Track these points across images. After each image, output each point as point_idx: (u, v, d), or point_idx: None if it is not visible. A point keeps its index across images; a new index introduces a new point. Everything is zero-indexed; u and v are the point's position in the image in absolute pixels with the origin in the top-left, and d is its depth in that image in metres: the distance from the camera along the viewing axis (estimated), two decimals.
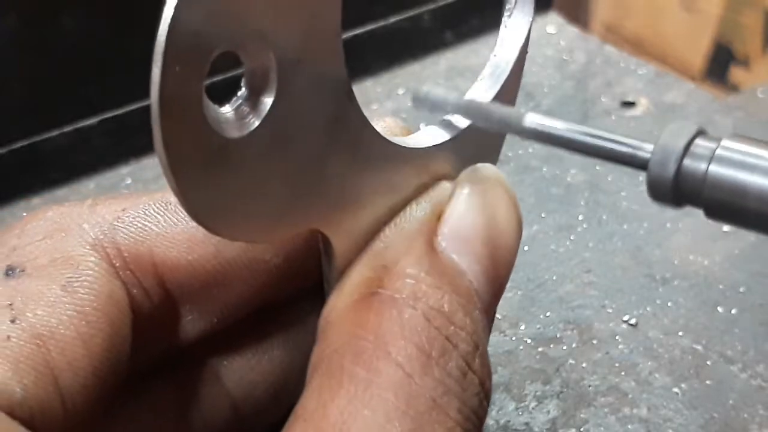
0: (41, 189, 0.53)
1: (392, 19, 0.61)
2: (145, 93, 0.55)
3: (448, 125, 0.27)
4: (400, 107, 0.59)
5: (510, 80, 0.28)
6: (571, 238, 0.48)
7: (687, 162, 0.22)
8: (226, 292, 0.27)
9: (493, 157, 0.29)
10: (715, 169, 0.21)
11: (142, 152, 0.55)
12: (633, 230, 0.48)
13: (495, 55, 0.29)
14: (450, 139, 0.27)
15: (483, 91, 0.28)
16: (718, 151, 0.22)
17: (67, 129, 0.52)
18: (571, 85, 0.60)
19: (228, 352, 0.29)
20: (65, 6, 0.50)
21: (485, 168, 0.26)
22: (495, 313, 0.26)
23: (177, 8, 0.17)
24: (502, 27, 0.29)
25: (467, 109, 0.26)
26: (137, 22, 0.54)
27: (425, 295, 0.23)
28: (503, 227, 0.25)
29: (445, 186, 0.26)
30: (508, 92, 0.29)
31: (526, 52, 0.29)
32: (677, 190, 0.22)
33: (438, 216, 0.25)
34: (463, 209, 0.25)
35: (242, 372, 0.29)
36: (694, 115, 0.57)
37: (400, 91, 0.60)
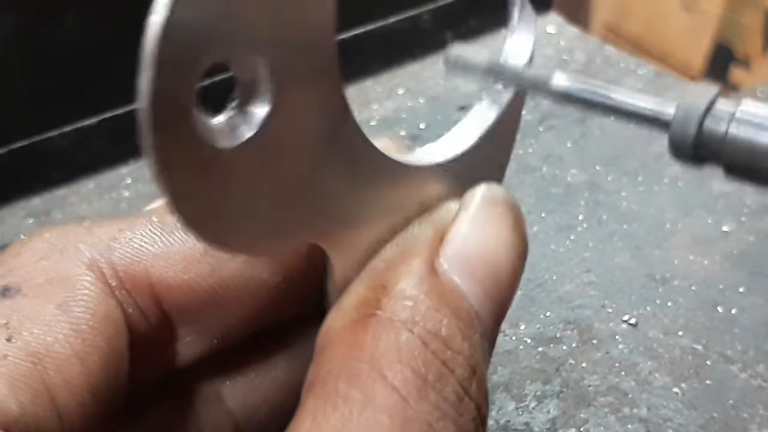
0: (41, 189, 0.53)
1: (392, 19, 0.61)
2: None
3: (457, 139, 0.27)
4: (400, 107, 0.59)
5: (514, 101, 0.29)
6: (571, 238, 0.48)
7: (708, 122, 0.23)
8: (225, 312, 0.26)
9: (497, 176, 0.29)
10: (735, 129, 0.22)
11: (141, 152, 0.55)
12: (633, 230, 0.48)
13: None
14: (453, 158, 0.26)
15: (487, 110, 0.28)
16: (738, 113, 0.22)
17: (67, 129, 0.53)
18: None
19: (230, 373, 0.29)
20: (65, 6, 0.50)
21: (492, 188, 0.26)
22: (497, 335, 0.26)
23: (168, 11, 0.17)
24: (504, 47, 0.29)
25: (497, 71, 0.27)
26: (137, 22, 0.54)
27: (423, 318, 0.23)
28: (507, 250, 0.25)
29: (449, 206, 0.25)
30: (513, 111, 0.29)
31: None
32: (698, 149, 0.23)
33: (440, 236, 0.24)
34: (466, 230, 0.24)
35: (245, 392, 0.29)
36: None
37: (400, 91, 0.60)
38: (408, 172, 0.25)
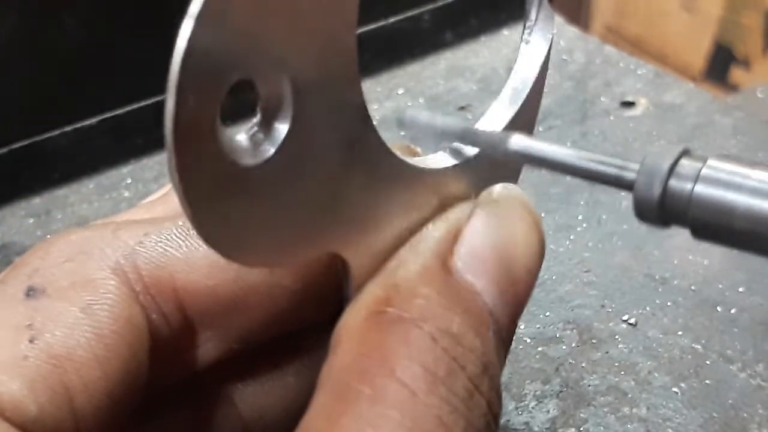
0: (42, 189, 0.53)
1: (392, 19, 0.61)
2: (146, 93, 0.55)
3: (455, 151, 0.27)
4: (399, 107, 0.59)
5: (530, 98, 0.28)
6: (571, 237, 0.48)
7: (672, 182, 0.22)
8: (246, 318, 0.27)
9: (513, 177, 0.29)
10: (700, 189, 0.21)
11: (142, 152, 0.55)
12: (632, 230, 0.48)
13: (516, 72, 0.29)
14: (467, 161, 0.26)
15: (503, 109, 0.28)
16: (704, 171, 0.21)
17: (68, 129, 0.53)
18: (570, 85, 0.60)
19: (243, 376, 0.29)
20: (66, 6, 0.50)
21: (507, 188, 0.26)
22: (513, 334, 0.26)
23: (192, 35, 0.17)
24: (522, 44, 0.29)
25: (452, 133, 0.26)
26: (137, 23, 0.55)
27: (434, 315, 0.23)
28: (523, 249, 0.25)
29: (464, 206, 0.26)
30: (529, 110, 0.29)
31: (546, 70, 0.29)
32: (663, 210, 0.22)
33: (455, 236, 0.25)
34: (481, 229, 0.25)
35: (255, 396, 0.29)
36: (694, 115, 0.57)
37: (400, 91, 0.60)
38: (425, 175, 0.25)
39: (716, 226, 0.21)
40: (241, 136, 0.19)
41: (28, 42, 0.50)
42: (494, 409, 0.23)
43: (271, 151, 0.20)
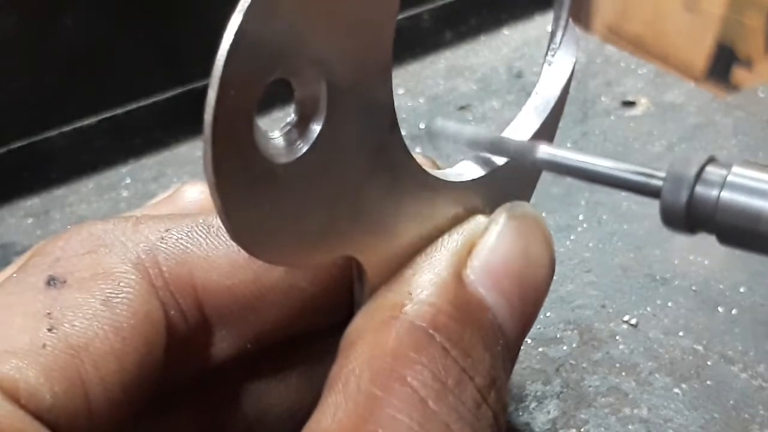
0: (41, 189, 0.53)
1: None
2: (145, 93, 0.55)
3: (484, 161, 0.27)
4: (399, 107, 0.59)
5: (551, 116, 0.29)
6: (572, 238, 0.48)
7: (699, 189, 0.22)
8: (262, 318, 0.27)
9: (527, 193, 0.30)
10: (727, 195, 0.22)
11: (141, 152, 0.55)
12: (633, 230, 0.48)
13: (537, 93, 0.29)
14: (486, 174, 0.27)
15: (525, 126, 0.28)
16: (729, 178, 0.22)
17: (67, 129, 0.53)
18: (571, 84, 0.60)
19: (250, 375, 0.29)
20: (65, 6, 0.50)
21: (522, 205, 0.26)
22: (520, 348, 0.26)
23: (239, 30, 0.17)
24: (545, 64, 0.29)
25: (481, 142, 0.26)
26: (137, 22, 0.54)
27: (445, 325, 0.23)
28: (534, 266, 0.25)
29: (480, 219, 0.26)
30: (549, 128, 0.29)
31: (568, 90, 0.29)
32: (690, 216, 0.22)
33: (469, 248, 0.25)
34: (495, 244, 0.25)
35: (260, 395, 0.29)
36: (694, 114, 0.57)
37: (401, 91, 0.60)
38: (444, 186, 0.25)
39: (742, 231, 0.22)
40: (275, 133, 0.20)
41: (28, 42, 0.50)
42: (500, 422, 0.23)
43: (304, 150, 0.20)
